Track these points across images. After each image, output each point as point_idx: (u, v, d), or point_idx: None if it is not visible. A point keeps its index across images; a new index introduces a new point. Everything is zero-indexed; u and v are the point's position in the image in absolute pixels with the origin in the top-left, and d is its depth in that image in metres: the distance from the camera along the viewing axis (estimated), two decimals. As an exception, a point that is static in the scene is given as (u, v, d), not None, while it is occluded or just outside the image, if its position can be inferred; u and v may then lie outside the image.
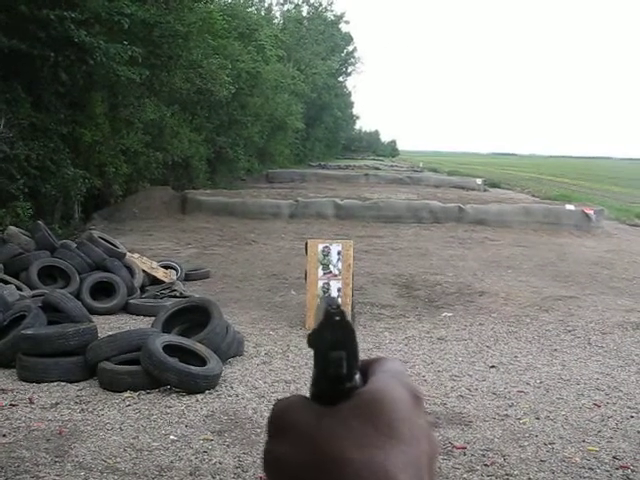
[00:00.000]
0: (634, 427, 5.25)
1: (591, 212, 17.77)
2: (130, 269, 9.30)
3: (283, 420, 0.50)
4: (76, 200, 15.23)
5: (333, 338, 0.47)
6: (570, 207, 18.55)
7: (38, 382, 5.78)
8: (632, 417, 5.46)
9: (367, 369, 0.51)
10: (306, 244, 8.04)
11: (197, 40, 17.23)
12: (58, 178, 13.50)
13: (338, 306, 0.49)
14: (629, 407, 5.67)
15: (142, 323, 7.67)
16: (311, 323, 8.06)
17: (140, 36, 14.84)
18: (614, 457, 4.70)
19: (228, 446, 4.72)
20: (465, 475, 4.38)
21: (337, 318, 0.48)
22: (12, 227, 10.15)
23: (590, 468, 4.52)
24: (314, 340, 0.48)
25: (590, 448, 4.82)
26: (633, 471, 4.50)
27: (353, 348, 0.48)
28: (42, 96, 13.56)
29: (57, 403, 5.40)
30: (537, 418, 5.36)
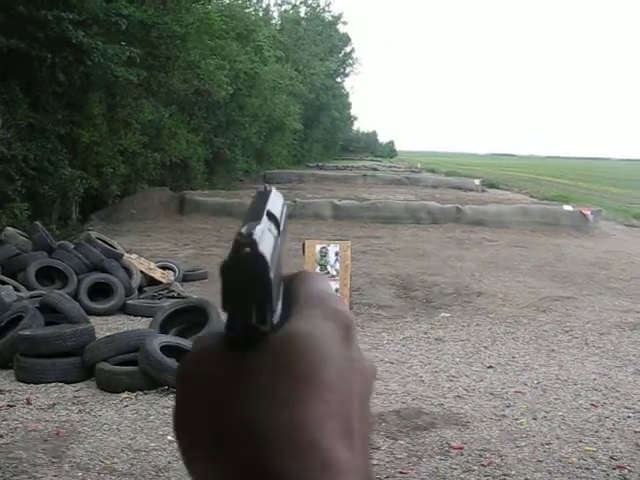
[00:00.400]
0: (631, 427, 5.26)
1: (589, 213, 17.79)
2: (128, 270, 9.29)
3: (193, 370, 0.43)
4: (74, 201, 15.23)
5: (241, 278, 0.39)
6: (568, 208, 18.57)
7: (36, 383, 5.78)
8: (629, 417, 5.47)
9: (290, 292, 0.45)
10: (304, 245, 8.04)
11: (195, 41, 17.25)
12: (56, 179, 13.50)
13: (250, 233, 0.40)
14: (626, 407, 5.68)
15: (140, 324, 7.67)
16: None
17: (138, 37, 14.85)
18: (611, 457, 4.71)
19: (225, 446, 4.71)
20: (462, 475, 4.38)
21: (247, 250, 0.39)
22: (10, 228, 10.14)
23: (587, 468, 4.52)
24: (221, 275, 0.40)
25: (587, 448, 4.83)
26: (630, 471, 4.51)
27: (265, 288, 0.40)
28: (40, 97, 13.57)
29: (54, 404, 5.39)
30: (534, 418, 5.37)
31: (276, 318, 0.42)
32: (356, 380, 0.43)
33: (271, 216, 0.44)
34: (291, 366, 0.40)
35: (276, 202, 0.46)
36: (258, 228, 0.41)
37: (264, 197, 0.45)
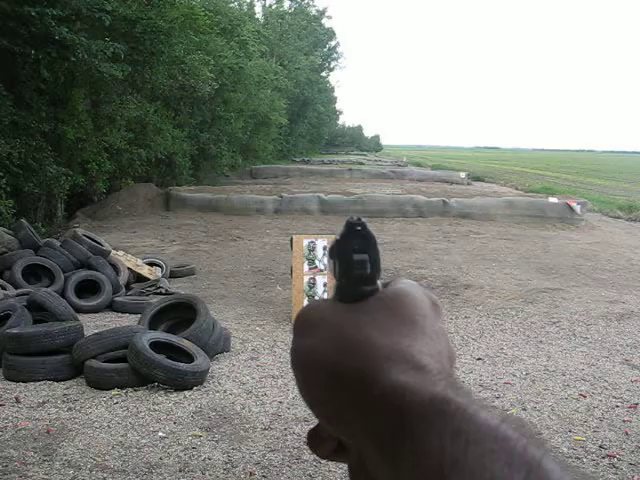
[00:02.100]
0: (619, 416, 5.30)
1: (575, 204, 17.89)
2: (115, 267, 9.26)
3: (310, 317, 0.52)
4: (59, 198, 15.14)
5: (356, 244, 0.50)
6: (553, 200, 18.66)
7: (24, 381, 5.74)
8: (617, 407, 5.51)
9: (387, 284, 0.53)
10: (291, 239, 8.03)
11: (179, 36, 17.15)
12: (40, 176, 13.41)
13: (359, 218, 0.52)
14: (614, 397, 5.73)
15: (128, 321, 7.65)
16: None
17: (122, 32, 14.75)
18: (600, 446, 4.74)
19: (217, 442, 4.72)
20: (453, 467, 4.40)
21: (358, 228, 0.51)
22: (-5, 226, 10.08)
23: (577, 457, 4.56)
24: (337, 248, 0.51)
25: (576, 438, 4.86)
26: (619, 460, 4.55)
27: (375, 253, 0.51)
28: (23, 94, 13.46)
29: (44, 402, 5.37)
30: (524, 409, 5.40)
31: (380, 286, 0.51)
32: (445, 341, 0.50)
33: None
34: (401, 311, 0.49)
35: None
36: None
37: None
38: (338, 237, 0.51)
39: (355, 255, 0.50)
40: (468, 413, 0.42)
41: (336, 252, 0.51)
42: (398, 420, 0.43)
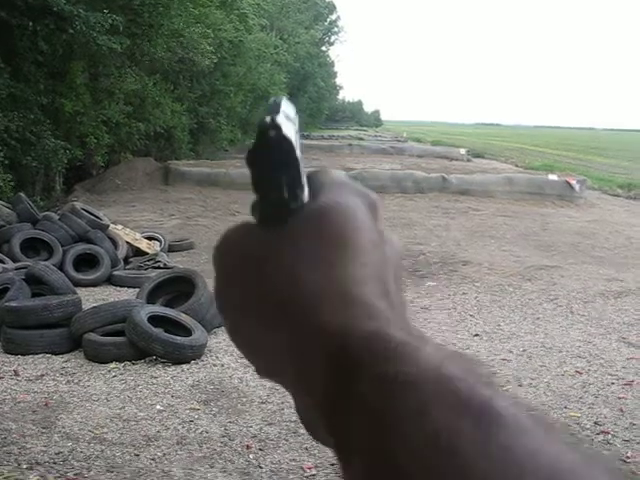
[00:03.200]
0: (614, 393, 5.34)
1: (574, 182, 17.86)
2: (113, 241, 9.25)
3: (229, 247, 0.46)
4: (57, 172, 15.10)
5: (270, 158, 0.42)
6: (553, 177, 18.63)
7: (23, 354, 5.77)
8: (613, 384, 5.55)
9: (311, 182, 0.45)
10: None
11: (178, 8, 16.98)
12: (39, 149, 13.34)
13: (273, 119, 0.42)
14: (610, 374, 5.76)
15: (126, 294, 7.66)
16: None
17: (120, 4, 14.60)
18: (595, 423, 4.78)
19: (214, 415, 4.75)
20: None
21: (272, 134, 0.42)
22: (-7, 199, 10.06)
23: (572, 434, 4.59)
24: (250, 161, 0.43)
25: (572, 414, 4.90)
26: (613, 436, 4.59)
27: (295, 164, 0.42)
28: (21, 66, 13.36)
29: (42, 375, 5.40)
30: (520, 385, 5.44)
31: (304, 199, 0.44)
32: (388, 250, 0.45)
33: (287, 116, 0.44)
34: (328, 232, 0.42)
35: (289, 107, 0.46)
36: (278, 117, 0.42)
37: (277, 104, 0.45)
38: (251, 146, 0.43)
39: (270, 173, 0.42)
40: (407, 351, 0.36)
41: (250, 164, 0.43)
42: (331, 366, 0.38)
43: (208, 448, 4.28)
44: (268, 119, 0.42)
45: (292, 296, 0.41)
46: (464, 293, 8.28)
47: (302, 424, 0.45)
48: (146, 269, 8.78)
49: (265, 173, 0.42)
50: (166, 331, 5.83)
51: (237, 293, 0.44)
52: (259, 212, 0.44)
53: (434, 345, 0.37)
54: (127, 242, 9.59)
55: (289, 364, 0.41)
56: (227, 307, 0.45)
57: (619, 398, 5.25)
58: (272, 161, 0.42)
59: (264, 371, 0.45)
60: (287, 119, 0.44)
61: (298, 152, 0.43)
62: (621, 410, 5.02)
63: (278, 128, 0.42)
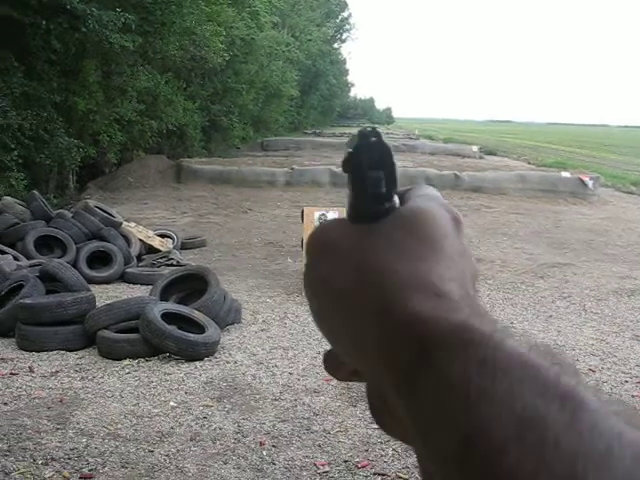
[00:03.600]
0: (628, 392, 5.32)
1: (587, 179, 17.77)
2: (126, 238, 9.30)
3: (323, 239, 0.49)
4: (71, 169, 15.17)
5: (371, 158, 0.47)
6: (566, 174, 18.54)
7: (37, 351, 5.81)
8: (626, 382, 5.52)
9: (403, 196, 0.49)
10: (302, 212, 8.03)
11: (190, 6, 17.00)
12: (52, 147, 13.41)
13: (374, 128, 0.48)
14: (623, 372, 5.74)
15: (139, 292, 7.70)
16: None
17: (133, 3, 14.64)
18: (608, 421, 4.76)
19: (228, 412, 4.77)
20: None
21: (373, 139, 0.47)
22: (7, 197, 10.13)
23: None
24: (351, 161, 0.47)
25: (585, 412, 4.88)
26: (627, 434, 4.56)
27: (391, 168, 0.47)
28: (34, 64, 13.43)
29: (57, 371, 5.43)
30: (533, 383, 5.42)
31: (397, 202, 0.47)
32: (468, 261, 0.48)
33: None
34: (422, 232, 0.46)
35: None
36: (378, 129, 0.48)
37: (374, 129, 0.50)
38: (351, 149, 0.47)
39: (369, 172, 0.46)
40: (494, 341, 0.39)
41: (349, 168, 0.47)
42: (418, 351, 0.40)
43: (221, 445, 4.30)
44: (369, 128, 0.48)
45: (384, 283, 0.43)
46: (476, 290, 8.25)
47: (370, 410, 0.47)
48: (159, 266, 8.82)
49: (364, 172, 0.46)
50: (179, 328, 5.85)
51: (328, 279, 0.46)
52: (354, 208, 0.47)
53: (520, 337, 0.40)
54: (140, 239, 9.63)
55: (372, 347, 0.43)
56: (317, 293, 0.48)
57: (633, 396, 5.23)
58: (372, 161, 0.46)
59: (344, 353, 0.47)
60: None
61: (395, 159, 0.47)
62: (634, 409, 4.97)
63: (379, 135, 0.47)
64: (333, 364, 0.50)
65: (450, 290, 0.43)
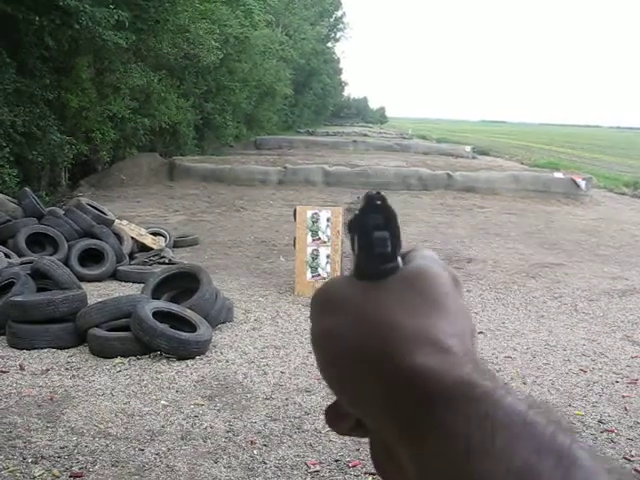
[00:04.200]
0: (619, 392, 5.33)
1: (580, 180, 17.81)
2: (118, 236, 9.27)
3: (329, 295, 0.50)
4: (63, 167, 15.12)
5: (376, 219, 0.49)
6: (558, 175, 18.59)
7: (28, 349, 5.78)
8: (617, 382, 5.54)
9: (405, 256, 0.51)
10: (295, 210, 8.03)
11: (184, 4, 16.98)
12: (44, 144, 13.37)
13: (379, 192, 0.50)
14: (614, 372, 5.75)
15: (131, 290, 7.68)
16: (300, 289, 7.98)
17: (126, 0, 14.60)
18: (599, 421, 4.78)
19: (219, 411, 4.76)
20: (453, 439, 4.43)
21: (378, 202, 0.50)
22: (-1, 194, 10.08)
23: (576, 432, 4.58)
24: (358, 222, 0.49)
25: (576, 412, 4.90)
26: (617, 435, 4.58)
27: (396, 229, 0.49)
28: (27, 61, 13.37)
29: (48, 369, 5.41)
30: (524, 383, 5.43)
31: (400, 262, 0.50)
32: (467, 318, 0.50)
33: None
34: (425, 290, 0.48)
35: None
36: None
37: (379, 192, 0.52)
38: (357, 212, 0.50)
39: (375, 232, 0.48)
40: (494, 397, 0.41)
41: (356, 228, 0.49)
42: (423, 404, 0.42)
43: (212, 443, 4.29)
44: (374, 191, 0.50)
45: (391, 337, 0.45)
46: (468, 290, 8.27)
47: (375, 467, 0.49)
48: (151, 264, 8.80)
49: (370, 232, 0.49)
50: (171, 327, 5.83)
51: (334, 333, 0.48)
52: (360, 267, 0.49)
53: (519, 395, 0.43)
54: (132, 237, 9.61)
55: (377, 398, 0.45)
56: (322, 346, 0.49)
57: (623, 397, 5.24)
58: (378, 223, 0.49)
59: (349, 404, 0.49)
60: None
61: (399, 222, 0.50)
62: (625, 409, 5.01)
63: (384, 199, 0.50)
64: (335, 417, 0.51)
65: (453, 345, 0.45)
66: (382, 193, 0.50)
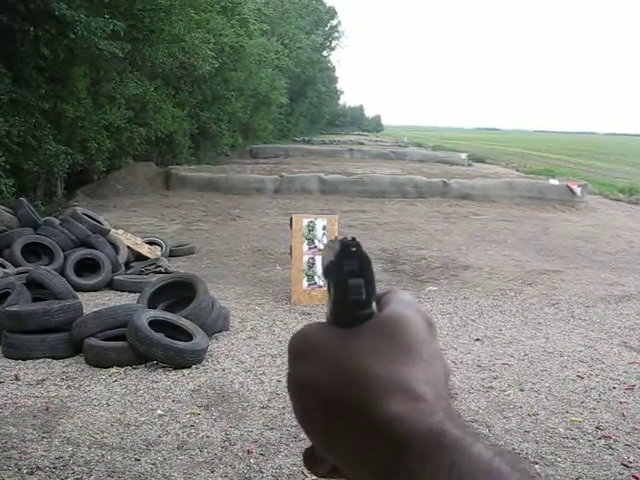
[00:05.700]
0: (616, 398, 5.33)
1: (575, 187, 17.85)
2: (114, 245, 9.25)
3: (305, 344, 0.51)
4: (59, 176, 15.10)
5: (351, 267, 0.49)
6: (554, 182, 18.63)
7: (24, 359, 5.76)
8: (614, 388, 5.53)
9: (380, 300, 0.52)
10: (291, 219, 8.02)
11: (179, 14, 16.99)
12: (40, 154, 13.35)
13: (354, 239, 0.51)
14: (611, 378, 5.75)
15: (127, 299, 7.66)
16: (297, 297, 7.97)
17: (122, 10, 14.63)
18: (597, 427, 4.77)
19: (215, 420, 4.74)
20: (450, 446, 4.41)
21: (353, 249, 0.50)
22: (-6, 204, 10.06)
23: (573, 438, 4.58)
24: (333, 269, 0.50)
25: (573, 419, 4.89)
26: (615, 441, 4.57)
27: (370, 276, 0.50)
28: (22, 71, 13.36)
29: (43, 379, 5.39)
30: (521, 390, 5.42)
31: (375, 309, 0.51)
32: (441, 363, 0.51)
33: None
34: (399, 338, 0.49)
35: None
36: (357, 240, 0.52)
37: (354, 240, 0.53)
38: (332, 258, 0.50)
39: (350, 279, 0.49)
40: (463, 446, 0.43)
41: (331, 274, 0.50)
42: (395, 451, 0.44)
43: (209, 453, 4.27)
44: (350, 238, 0.51)
45: (366, 385, 0.46)
46: (465, 298, 8.27)
47: None
48: (147, 274, 8.78)
49: (345, 279, 0.49)
50: (167, 336, 5.81)
51: (309, 381, 0.49)
52: (335, 313, 0.50)
53: (486, 443, 0.44)
54: (128, 247, 9.59)
55: (351, 444, 0.46)
56: (298, 394, 0.51)
57: (621, 403, 5.24)
58: (353, 270, 0.49)
59: (324, 450, 0.50)
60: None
61: (373, 268, 0.51)
62: (623, 415, 5.00)
63: (359, 245, 0.50)
64: (312, 461, 0.52)
65: (426, 393, 0.47)
66: (357, 239, 0.51)
